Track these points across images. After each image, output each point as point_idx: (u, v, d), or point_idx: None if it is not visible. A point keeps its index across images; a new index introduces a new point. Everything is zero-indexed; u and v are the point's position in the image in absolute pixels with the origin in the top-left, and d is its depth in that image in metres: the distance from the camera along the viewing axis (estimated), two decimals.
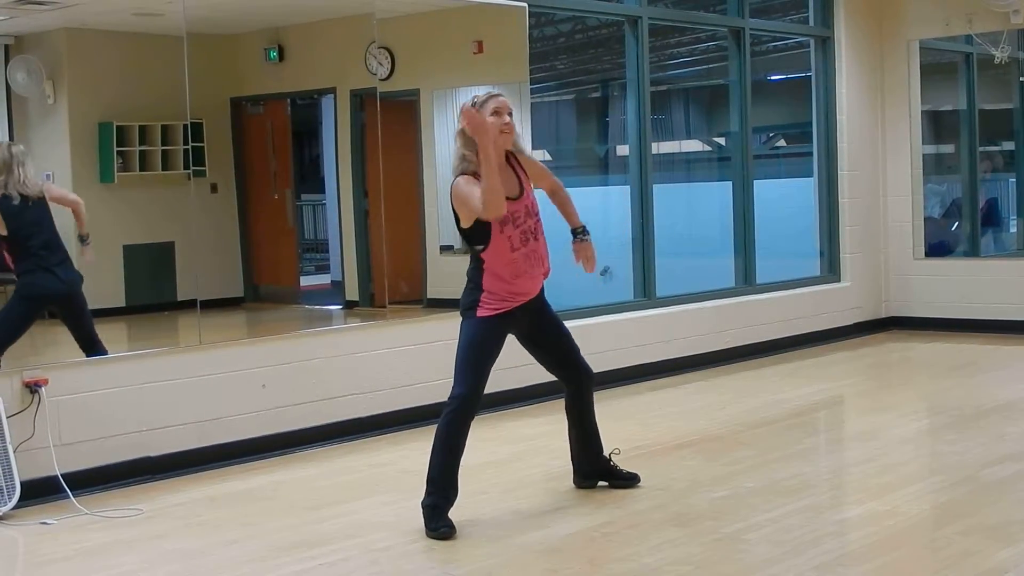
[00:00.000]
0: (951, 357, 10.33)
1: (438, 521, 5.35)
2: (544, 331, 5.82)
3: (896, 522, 5.44)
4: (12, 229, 6.69)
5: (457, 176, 5.50)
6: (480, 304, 5.53)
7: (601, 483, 6.09)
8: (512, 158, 5.66)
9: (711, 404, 8.50)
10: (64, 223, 7.14)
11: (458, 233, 5.61)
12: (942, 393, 8.87)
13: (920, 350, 10.79)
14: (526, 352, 5.92)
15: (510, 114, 5.56)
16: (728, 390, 9.03)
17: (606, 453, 6.08)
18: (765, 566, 4.87)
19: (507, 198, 5.46)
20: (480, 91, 5.65)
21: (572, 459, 6.09)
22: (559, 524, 5.54)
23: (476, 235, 5.50)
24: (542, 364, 6.03)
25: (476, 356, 5.51)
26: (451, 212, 5.55)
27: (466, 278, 5.64)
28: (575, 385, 5.94)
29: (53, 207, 6.91)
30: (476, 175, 5.42)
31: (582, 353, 5.96)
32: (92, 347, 6.80)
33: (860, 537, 5.31)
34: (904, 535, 5.29)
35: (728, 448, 7.01)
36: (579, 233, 5.86)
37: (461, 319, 5.62)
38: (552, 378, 6.09)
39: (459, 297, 5.65)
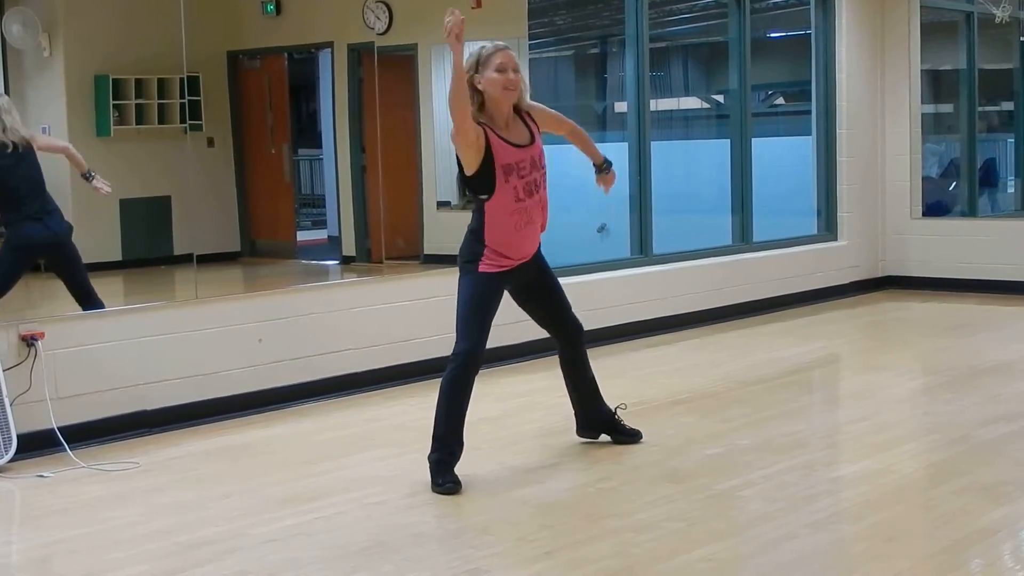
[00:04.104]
0: (947, 317, 10.34)
1: (444, 476, 5.37)
2: (540, 287, 5.83)
3: (890, 481, 5.47)
4: (1, 179, 6.69)
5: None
6: (482, 259, 5.53)
7: (603, 437, 6.10)
8: (523, 113, 5.65)
9: (707, 362, 8.51)
10: (59, 175, 7.13)
11: (463, 185, 5.58)
12: (937, 353, 8.88)
13: (916, 310, 10.79)
14: (519, 309, 5.93)
15: (515, 70, 5.53)
16: (724, 348, 9.04)
17: (612, 407, 6.10)
18: (759, 523, 4.90)
19: (516, 145, 5.50)
20: (482, 44, 5.62)
21: (574, 411, 6.12)
22: (554, 480, 5.56)
23: (481, 183, 5.48)
24: (535, 319, 6.04)
25: (477, 311, 5.51)
26: (454, 164, 5.55)
27: (467, 231, 5.63)
28: (566, 340, 5.96)
29: (46, 158, 6.91)
30: (483, 116, 5.47)
31: (575, 310, 5.99)
32: (88, 300, 6.80)
33: (854, 495, 5.33)
34: (898, 494, 5.32)
35: (723, 406, 7.03)
36: (603, 168, 5.94)
37: (460, 272, 5.61)
38: (546, 334, 6.10)
39: (456, 254, 5.65)
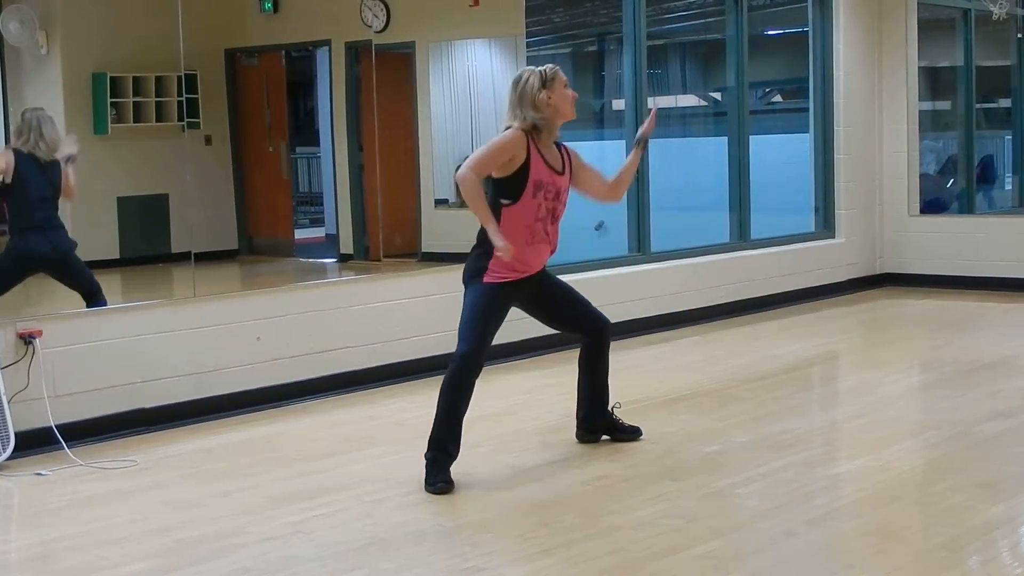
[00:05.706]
0: (945, 314, 10.34)
1: (436, 476, 5.37)
2: (550, 294, 5.85)
3: (888, 477, 5.47)
4: (20, 186, 6.67)
5: (510, 127, 5.55)
6: (487, 271, 5.56)
7: (603, 437, 6.10)
8: (561, 145, 5.75)
9: (704, 359, 8.51)
10: None
11: (491, 183, 5.63)
12: (936, 349, 8.89)
13: (914, 306, 10.80)
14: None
15: None
16: (721, 345, 9.05)
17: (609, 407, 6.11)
18: (757, 520, 4.90)
19: (551, 168, 5.59)
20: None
21: (577, 412, 6.11)
22: (552, 477, 5.57)
23: (509, 188, 5.52)
24: (557, 328, 6.08)
25: (480, 317, 5.54)
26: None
27: (475, 242, 5.65)
28: (593, 336, 5.97)
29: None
30: (532, 132, 5.53)
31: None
32: (93, 297, 6.81)
33: (852, 492, 5.34)
34: (896, 490, 5.32)
35: (721, 403, 7.04)
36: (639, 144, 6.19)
37: (465, 287, 5.65)
38: (547, 331, 6.10)
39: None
